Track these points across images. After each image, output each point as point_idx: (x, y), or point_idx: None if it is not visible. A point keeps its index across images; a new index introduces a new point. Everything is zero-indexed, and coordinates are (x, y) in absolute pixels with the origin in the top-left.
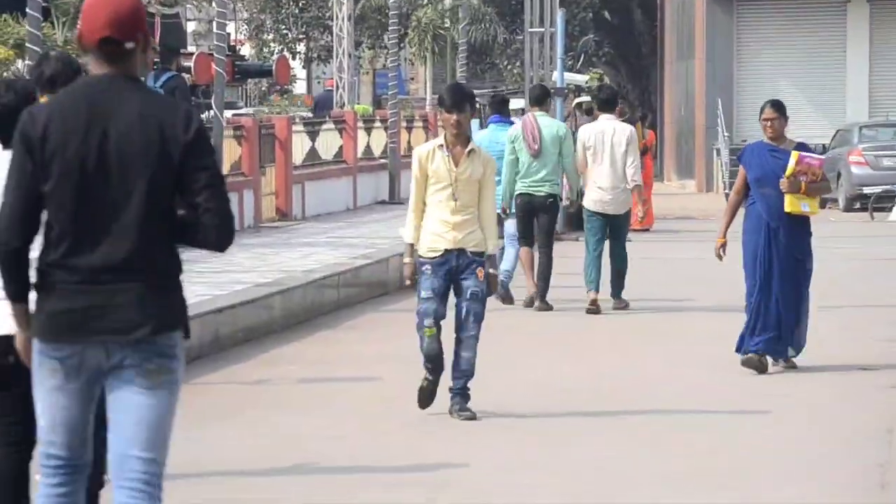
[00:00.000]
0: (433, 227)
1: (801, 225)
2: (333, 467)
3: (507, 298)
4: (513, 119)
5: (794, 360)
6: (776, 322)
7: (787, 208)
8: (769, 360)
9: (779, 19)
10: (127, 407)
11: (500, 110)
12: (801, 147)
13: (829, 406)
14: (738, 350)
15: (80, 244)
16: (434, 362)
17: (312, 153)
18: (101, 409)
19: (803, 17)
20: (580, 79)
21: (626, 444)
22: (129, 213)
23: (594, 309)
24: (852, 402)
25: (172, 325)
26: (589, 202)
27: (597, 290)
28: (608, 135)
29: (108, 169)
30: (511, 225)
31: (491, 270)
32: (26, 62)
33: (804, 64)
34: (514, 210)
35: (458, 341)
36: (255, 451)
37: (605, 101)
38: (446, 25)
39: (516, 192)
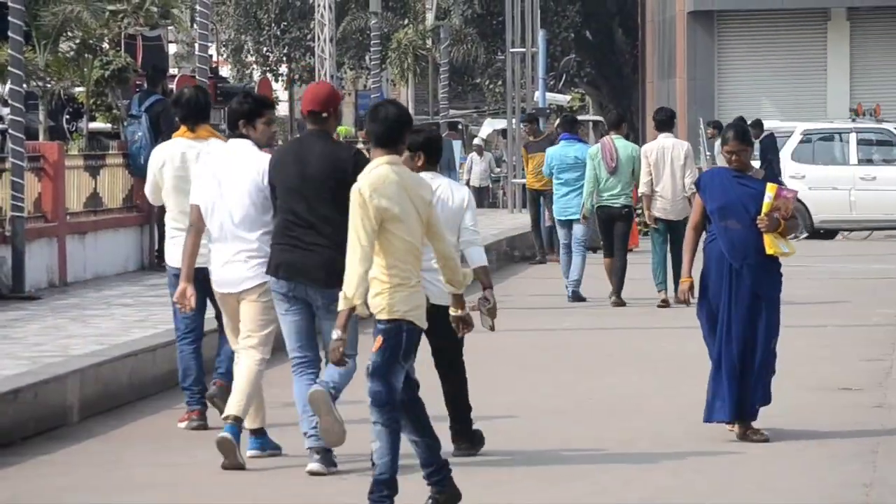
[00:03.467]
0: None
1: (769, 263)
2: (317, 488)
3: (579, 300)
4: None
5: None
6: (743, 379)
7: (768, 250)
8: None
9: (760, 37)
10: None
11: (570, 129)
12: (770, 178)
13: (814, 425)
14: (706, 420)
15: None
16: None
17: None
18: None
19: (784, 35)
20: (562, 99)
21: (613, 459)
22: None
23: (665, 305)
24: (837, 421)
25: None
26: (653, 210)
27: (667, 290)
28: (668, 150)
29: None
30: (580, 230)
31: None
32: (8, 86)
33: (785, 81)
34: (589, 218)
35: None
36: (239, 475)
37: (663, 122)
38: (427, 46)
39: (596, 205)
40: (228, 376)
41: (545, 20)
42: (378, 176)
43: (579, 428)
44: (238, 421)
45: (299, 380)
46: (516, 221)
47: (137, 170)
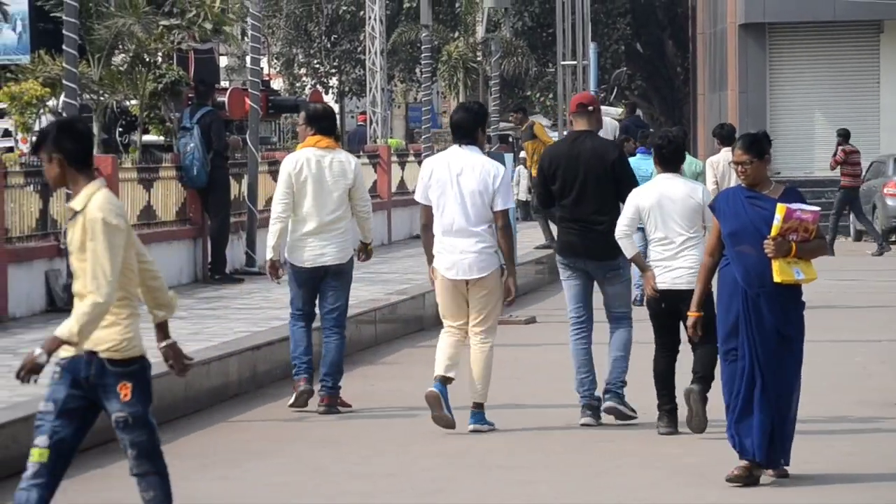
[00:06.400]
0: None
1: (789, 292)
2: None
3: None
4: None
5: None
6: (764, 422)
7: (776, 277)
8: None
9: (811, 49)
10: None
11: (646, 143)
12: (791, 195)
13: (870, 441)
14: (734, 446)
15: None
16: None
17: None
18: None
19: (836, 47)
20: (613, 111)
21: (656, 471)
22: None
23: None
24: (893, 437)
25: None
26: None
27: None
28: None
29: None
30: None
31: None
32: (62, 99)
33: (837, 93)
34: None
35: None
36: (293, 487)
37: (728, 137)
38: (478, 59)
39: None
40: (333, 390)
41: (595, 33)
42: (110, 198)
43: (627, 444)
44: (480, 407)
45: (575, 341)
46: None
47: (191, 182)
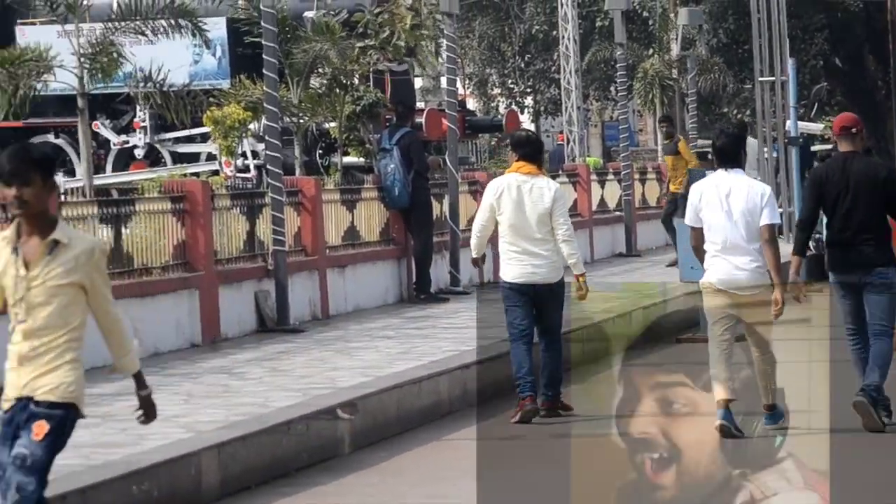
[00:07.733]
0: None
1: None
2: None
3: None
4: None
5: None
6: None
7: None
8: None
9: None
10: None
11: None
12: None
13: None
14: None
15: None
16: None
17: None
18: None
19: None
20: (814, 127)
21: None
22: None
23: None
24: None
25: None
26: None
27: None
28: None
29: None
30: None
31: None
32: (263, 122)
33: None
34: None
35: None
36: None
37: None
38: (674, 76)
39: None
40: (553, 398)
41: (793, 48)
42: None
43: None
44: (771, 409)
45: (853, 350)
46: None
47: (392, 202)
